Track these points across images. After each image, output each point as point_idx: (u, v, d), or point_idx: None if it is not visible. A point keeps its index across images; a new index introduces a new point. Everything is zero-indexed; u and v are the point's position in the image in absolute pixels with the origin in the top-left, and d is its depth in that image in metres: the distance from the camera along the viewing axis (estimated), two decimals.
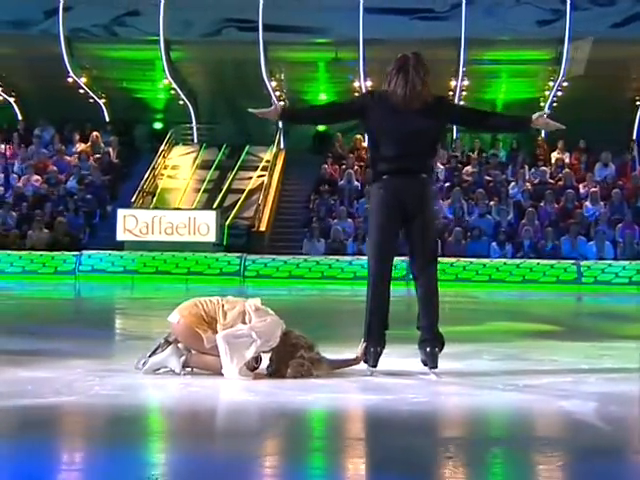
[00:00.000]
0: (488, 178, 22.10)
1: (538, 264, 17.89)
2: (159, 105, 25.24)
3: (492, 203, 20.88)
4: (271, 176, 22.53)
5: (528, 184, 21.79)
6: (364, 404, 4.93)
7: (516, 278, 17.70)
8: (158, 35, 22.00)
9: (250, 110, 6.03)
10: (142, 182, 21.62)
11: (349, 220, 20.10)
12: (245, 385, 5.31)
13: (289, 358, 5.63)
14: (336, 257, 18.06)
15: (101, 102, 24.16)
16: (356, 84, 23.15)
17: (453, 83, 23.21)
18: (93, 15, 22.03)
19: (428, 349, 5.82)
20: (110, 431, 4.04)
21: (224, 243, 19.74)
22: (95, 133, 23.17)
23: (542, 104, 24.10)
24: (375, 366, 5.81)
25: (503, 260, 18.14)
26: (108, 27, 22.16)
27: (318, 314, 11.93)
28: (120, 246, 18.45)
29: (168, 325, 5.66)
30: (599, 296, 16.78)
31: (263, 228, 20.68)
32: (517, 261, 18.02)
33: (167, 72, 22.73)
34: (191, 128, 24.64)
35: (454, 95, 23.56)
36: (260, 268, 17.85)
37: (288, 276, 17.72)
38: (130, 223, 18.28)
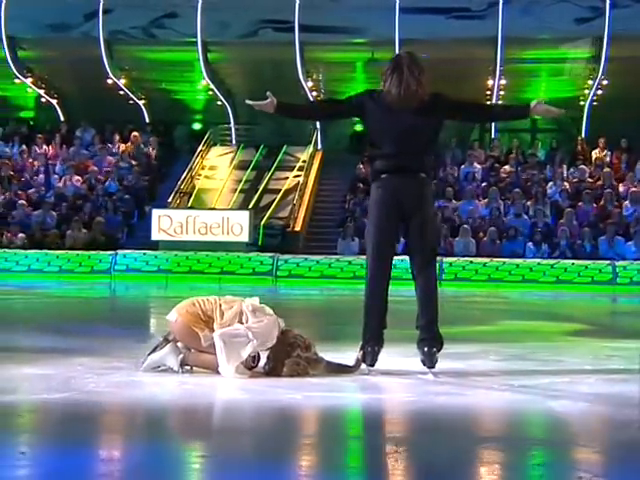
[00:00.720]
0: (526, 178, 21.96)
1: (573, 264, 17.74)
2: (198, 106, 25.45)
3: (529, 203, 20.73)
4: (307, 176, 22.62)
5: (566, 183, 21.61)
6: (350, 403, 4.95)
7: (550, 278, 17.56)
8: (195, 37, 22.19)
9: (247, 102, 6.13)
10: (179, 182, 21.84)
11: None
12: (239, 383, 5.37)
13: (285, 357, 5.68)
14: None
15: (141, 103, 24.41)
16: None
17: (490, 82, 23.09)
18: (132, 17, 22.29)
19: (426, 349, 5.85)
20: (81, 428, 4.10)
21: (259, 243, 19.86)
22: (135, 133, 23.43)
23: (582, 102, 23.93)
24: (373, 365, 5.84)
25: (537, 260, 18.01)
26: (146, 29, 22.41)
27: (347, 313, 11.89)
28: (155, 246, 18.65)
29: (166, 324, 5.76)
30: (634, 297, 16.61)
31: (298, 228, 20.77)
32: (551, 261, 17.89)
33: (205, 73, 22.92)
34: (229, 129, 24.80)
35: (491, 94, 23.46)
36: (292, 268, 17.93)
37: (320, 276, 17.78)
38: (165, 223, 18.47)
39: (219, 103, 24.35)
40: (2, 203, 20.86)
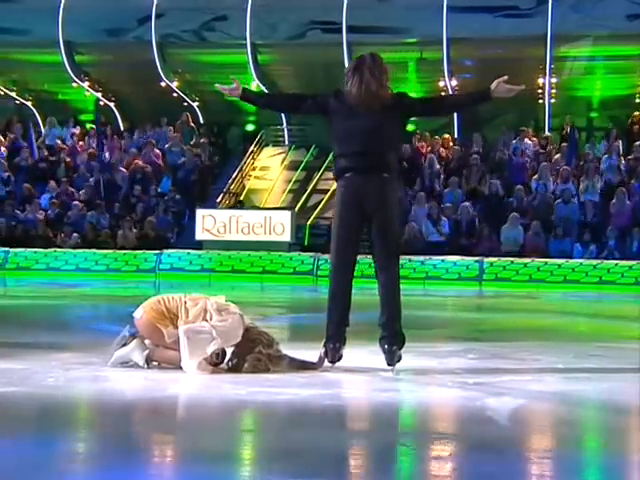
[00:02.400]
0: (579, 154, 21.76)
1: (616, 265, 17.51)
2: (251, 107, 25.69)
3: (581, 179, 20.48)
4: None
5: (622, 158, 21.26)
6: (287, 399, 5.04)
7: (593, 279, 17.36)
8: (245, 39, 22.47)
9: (216, 86, 6.35)
10: (229, 183, 22.15)
11: (427, 205, 20.15)
12: (195, 379, 5.53)
13: (247, 353, 5.84)
14: (408, 257, 18.08)
15: (195, 105, 24.79)
16: (441, 83, 23.12)
17: (541, 81, 22.89)
18: (183, 21, 22.69)
19: (386, 346, 5.93)
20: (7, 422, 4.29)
21: (305, 243, 20.04)
22: (186, 113, 23.66)
23: (638, 100, 23.57)
24: (334, 362, 5.95)
25: (580, 260, 17.82)
26: (197, 32, 22.79)
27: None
28: (200, 245, 18.97)
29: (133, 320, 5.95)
30: None
31: None
32: (594, 262, 17.67)
33: (255, 75, 23.19)
34: (282, 129, 25.03)
35: (543, 93, 23.25)
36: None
37: (360, 275, 17.77)
38: (208, 223, 18.77)
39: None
40: (58, 204, 21.40)
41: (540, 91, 23.20)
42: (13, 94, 25.24)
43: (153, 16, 22.74)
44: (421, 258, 17.95)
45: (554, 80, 22.87)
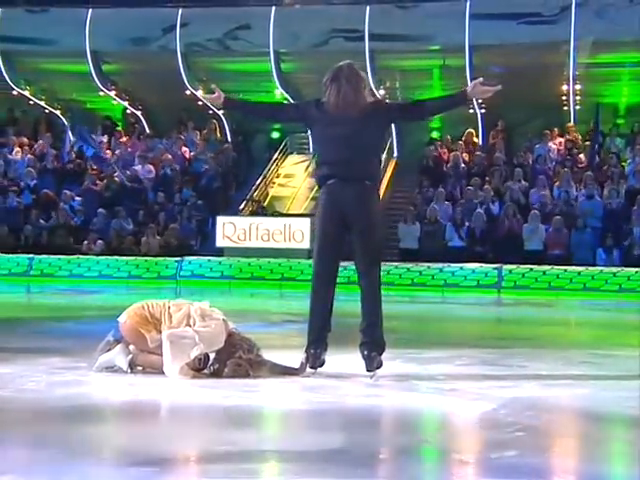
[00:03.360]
0: (602, 158, 21.64)
1: (637, 272, 17.39)
2: None
3: (605, 184, 20.39)
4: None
5: None
6: (251, 403, 5.13)
7: (613, 287, 17.27)
8: (268, 47, 22.62)
9: (199, 95, 6.45)
10: (252, 190, 22.29)
11: (446, 203, 20.16)
12: (173, 383, 5.62)
13: (228, 358, 5.93)
14: (427, 264, 18.13)
15: (220, 113, 24.94)
16: None
17: (565, 88, 22.79)
18: (207, 30, 22.87)
19: (366, 352, 6.00)
20: None
21: None
22: (213, 120, 23.90)
23: None
24: (315, 367, 6.03)
25: (599, 268, 17.73)
26: (221, 41, 22.96)
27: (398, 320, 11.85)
28: (222, 252, 19.12)
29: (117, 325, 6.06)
30: None
31: None
32: (614, 269, 17.58)
33: (278, 83, 23.33)
34: (307, 137, 25.11)
35: (567, 100, 23.17)
36: (351, 275, 18.01)
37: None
38: (229, 230, 18.92)
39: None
40: (83, 211, 21.65)
41: (565, 98, 23.11)
42: (42, 103, 25.60)
43: (178, 25, 22.95)
44: (440, 265, 17.97)
45: (578, 87, 22.76)
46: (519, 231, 19.19)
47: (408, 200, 21.90)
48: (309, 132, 6.24)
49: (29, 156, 24.07)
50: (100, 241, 20.33)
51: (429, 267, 17.91)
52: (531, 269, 17.66)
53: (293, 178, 23.58)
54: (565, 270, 17.57)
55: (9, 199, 22.14)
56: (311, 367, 6.02)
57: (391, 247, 20.36)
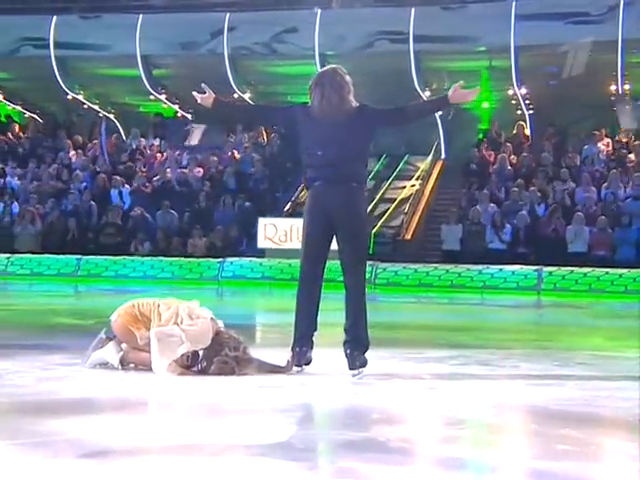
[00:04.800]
0: None
1: None
2: None
3: None
4: (425, 185, 22.78)
5: None
6: (227, 398, 5.28)
7: (618, 288, 17.09)
8: (314, 50, 22.79)
9: (193, 93, 6.63)
10: (297, 192, 22.46)
11: (492, 205, 20.09)
12: (159, 379, 5.80)
13: (214, 356, 6.08)
14: (466, 266, 18.11)
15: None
16: (510, 92, 23.03)
17: (613, 88, 22.54)
18: (254, 34, 23.12)
19: (348, 351, 6.11)
20: None
21: (370, 252, 20.14)
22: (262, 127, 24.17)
23: None
24: (300, 365, 6.15)
25: (605, 270, 17.52)
26: (268, 44, 23.20)
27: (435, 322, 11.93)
28: (262, 254, 19.32)
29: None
30: None
31: (408, 237, 20.97)
32: (620, 271, 17.37)
33: None
34: None
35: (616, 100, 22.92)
36: (390, 276, 18.20)
37: (418, 284, 17.96)
38: (270, 231, 19.12)
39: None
40: (137, 216, 22.02)
41: (613, 98, 22.87)
42: (96, 107, 26.13)
43: (225, 29, 23.25)
44: (479, 267, 17.94)
45: (627, 87, 22.50)
46: (563, 233, 19.07)
47: (454, 202, 21.87)
48: (297, 135, 6.34)
49: (83, 158, 24.59)
50: (147, 242, 20.71)
51: (468, 269, 17.89)
52: (572, 271, 17.52)
53: None
54: (607, 272, 17.39)
55: (63, 201, 22.62)
56: (297, 365, 6.14)
57: (433, 248, 20.41)
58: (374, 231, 20.72)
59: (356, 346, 6.09)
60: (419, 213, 21.78)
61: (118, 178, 22.67)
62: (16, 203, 22.68)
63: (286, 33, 22.99)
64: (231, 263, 18.97)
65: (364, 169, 6.38)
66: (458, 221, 19.86)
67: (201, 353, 6.13)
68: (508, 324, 11.46)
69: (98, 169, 23.77)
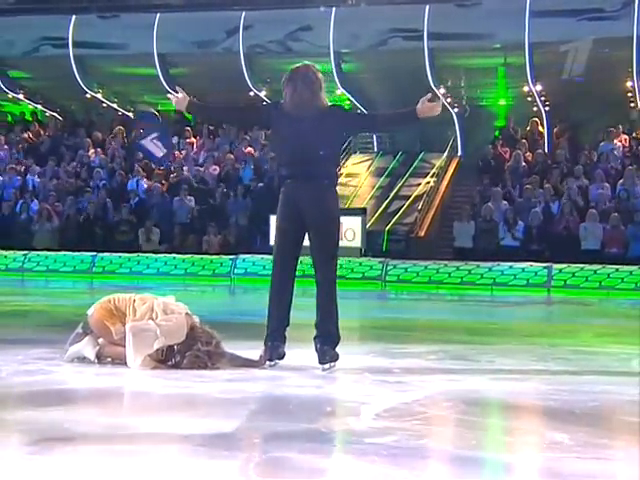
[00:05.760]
0: None
1: None
2: None
3: None
4: (440, 182, 22.81)
5: None
6: (192, 391, 5.40)
7: (629, 285, 17.02)
8: (329, 48, 22.89)
9: (168, 96, 6.74)
10: None
11: (504, 202, 20.08)
12: (131, 372, 5.93)
13: (187, 350, 6.20)
14: (476, 263, 18.13)
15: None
16: (525, 88, 23.00)
17: (629, 84, 22.45)
18: (269, 32, 23.28)
19: (318, 346, 6.21)
20: None
21: (383, 249, 20.26)
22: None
23: None
24: (272, 359, 6.26)
25: (616, 267, 17.44)
26: (283, 42, 23.33)
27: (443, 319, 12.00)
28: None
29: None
30: None
31: (422, 234, 21.02)
32: (630, 268, 17.29)
33: (338, 83, 23.58)
34: (371, 136, 25.31)
35: (633, 96, 22.81)
36: (400, 273, 18.26)
37: (428, 281, 18.00)
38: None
39: (358, 112, 24.94)
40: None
41: (630, 95, 22.77)
42: (115, 105, 26.39)
43: (241, 28, 23.41)
44: (489, 264, 17.95)
45: None
46: (575, 230, 19.04)
47: (469, 199, 21.88)
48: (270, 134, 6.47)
49: (101, 156, 24.84)
50: (157, 229, 20.90)
51: (478, 266, 17.91)
52: (582, 268, 17.49)
53: (355, 177, 23.78)
54: (617, 269, 17.34)
55: (80, 198, 22.86)
56: (269, 359, 6.25)
57: (446, 245, 20.43)
58: (387, 228, 20.84)
59: (326, 341, 6.19)
60: (433, 210, 21.83)
61: (140, 170, 22.87)
62: (35, 201, 22.98)
63: (301, 31, 23.12)
64: (243, 260, 19.12)
65: (335, 167, 6.47)
66: (471, 218, 19.88)
67: (176, 348, 6.27)
68: (506, 321, 11.51)
69: (116, 167, 24.02)
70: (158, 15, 24.08)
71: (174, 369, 6.09)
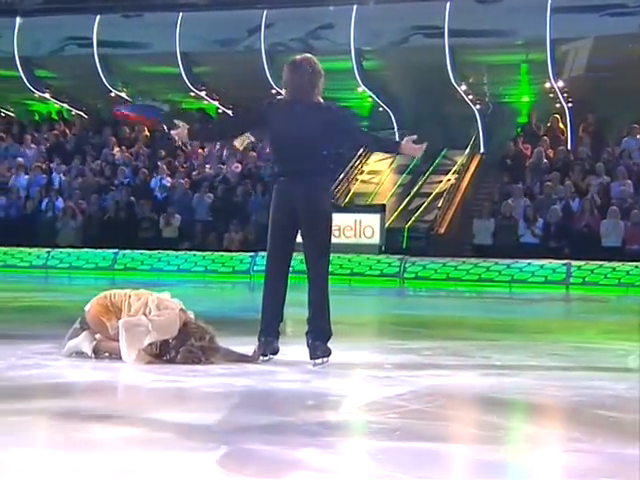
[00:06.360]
0: None
1: None
2: (364, 113, 26.14)
3: None
4: (461, 179, 22.78)
5: None
6: (182, 386, 5.49)
7: None
8: (350, 46, 22.93)
9: (171, 132, 6.81)
10: (334, 187, 22.63)
11: (525, 199, 20.02)
12: (125, 367, 6.03)
13: (181, 346, 6.30)
14: (495, 260, 18.11)
15: None
16: (547, 85, 22.91)
17: None
18: (290, 30, 23.36)
19: (310, 341, 6.29)
20: None
21: (404, 246, 20.27)
22: None
23: None
24: (266, 355, 6.34)
25: (635, 263, 17.35)
26: (304, 40, 23.39)
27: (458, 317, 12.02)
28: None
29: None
30: None
31: (442, 231, 21.01)
32: None
33: (360, 80, 23.62)
34: (393, 134, 25.31)
35: None
36: (419, 270, 18.29)
37: (446, 278, 18.02)
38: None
39: (380, 109, 25.00)
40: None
41: None
42: (139, 103, 26.59)
43: (262, 26, 23.51)
44: (507, 261, 17.93)
45: None
46: (596, 227, 18.96)
47: (489, 196, 21.86)
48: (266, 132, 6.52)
49: (126, 154, 25.06)
50: (178, 215, 21.07)
51: (497, 263, 17.90)
52: (601, 265, 17.43)
53: (377, 175, 23.81)
54: (636, 266, 17.27)
55: (103, 196, 23.08)
56: (263, 354, 6.33)
57: (466, 243, 20.42)
58: (407, 225, 20.85)
59: (317, 336, 6.26)
60: (454, 207, 21.80)
61: (164, 167, 23.05)
62: (60, 199, 23.23)
63: (322, 29, 23.18)
64: (263, 257, 19.09)
65: (328, 164, 6.53)
66: (490, 215, 19.86)
67: (171, 343, 6.36)
68: (514, 317, 11.51)
69: (139, 165, 24.23)
70: (181, 14, 24.24)
71: (168, 364, 6.18)
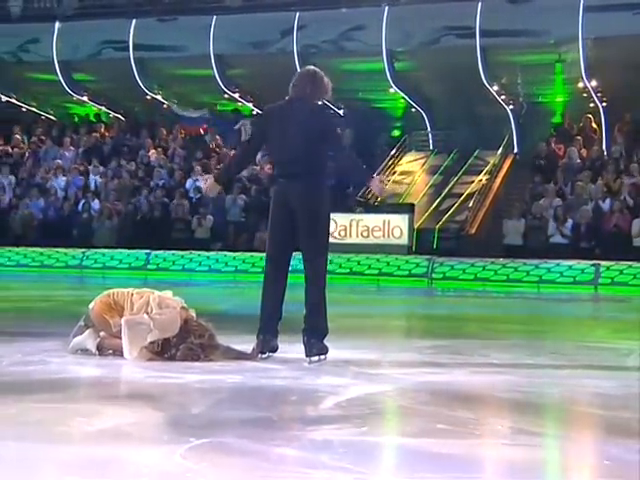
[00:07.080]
0: None
1: None
2: (397, 113, 26.20)
3: None
4: (493, 179, 22.74)
5: None
6: (179, 381, 5.63)
7: None
8: (382, 47, 22.99)
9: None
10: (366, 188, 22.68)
11: (557, 199, 19.93)
12: (126, 364, 6.19)
13: (181, 343, 6.45)
14: (522, 260, 18.08)
15: (340, 112, 25.52)
16: (580, 84, 22.78)
17: None
18: (323, 32, 23.47)
19: (305, 338, 6.41)
20: None
21: (434, 247, 20.30)
22: None
23: None
24: (264, 352, 6.46)
25: None
26: (336, 42, 23.50)
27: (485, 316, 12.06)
28: None
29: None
30: None
31: (472, 231, 21.00)
32: None
33: (391, 81, 23.67)
34: (427, 134, 25.36)
35: None
36: (447, 270, 18.31)
37: (474, 278, 18.02)
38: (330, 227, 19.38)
39: (413, 110, 25.03)
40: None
41: None
42: (174, 106, 26.89)
43: (295, 28, 23.65)
44: (536, 261, 17.89)
45: None
46: (626, 227, 18.83)
47: (520, 196, 21.80)
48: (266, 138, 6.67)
49: (162, 156, 25.34)
50: (210, 216, 21.28)
51: (525, 263, 17.86)
52: (630, 265, 17.32)
53: (409, 175, 23.84)
54: (630, 266, 17.15)
55: (139, 197, 23.36)
56: (261, 352, 6.46)
57: (496, 243, 20.37)
58: (438, 226, 20.87)
59: (313, 334, 6.38)
60: (485, 208, 21.78)
61: (198, 168, 23.28)
62: (97, 200, 23.57)
63: (354, 30, 23.25)
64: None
65: (323, 163, 6.62)
66: (521, 215, 19.82)
67: (172, 341, 6.51)
68: (533, 316, 11.52)
69: (175, 166, 24.49)
70: (215, 17, 24.45)
71: (169, 361, 6.33)
